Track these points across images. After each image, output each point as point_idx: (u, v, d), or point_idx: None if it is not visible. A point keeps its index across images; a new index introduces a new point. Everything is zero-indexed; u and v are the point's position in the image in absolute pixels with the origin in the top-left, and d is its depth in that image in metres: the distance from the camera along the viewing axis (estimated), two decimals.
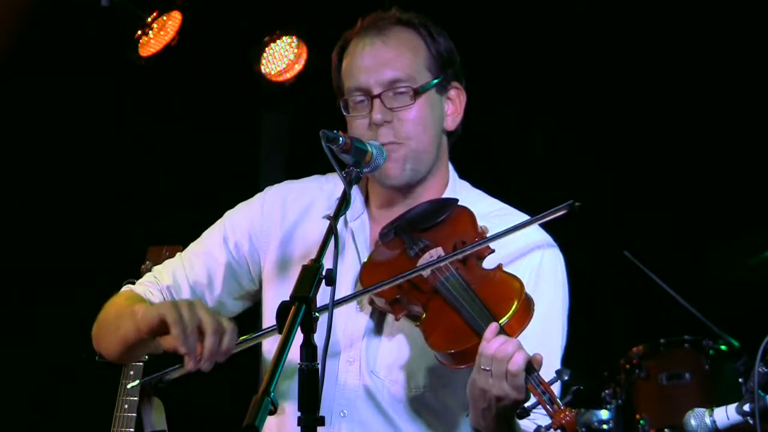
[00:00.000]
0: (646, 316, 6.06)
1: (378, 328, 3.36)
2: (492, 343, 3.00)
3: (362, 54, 3.41)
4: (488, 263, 3.26)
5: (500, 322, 3.05)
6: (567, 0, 6.20)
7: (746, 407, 3.25)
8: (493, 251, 3.26)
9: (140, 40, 5.79)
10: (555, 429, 2.90)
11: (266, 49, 6.04)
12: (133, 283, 3.60)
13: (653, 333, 5.49)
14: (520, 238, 3.33)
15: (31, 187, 5.94)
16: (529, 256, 3.36)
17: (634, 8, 6.08)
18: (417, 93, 3.38)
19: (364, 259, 3.40)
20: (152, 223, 5.77)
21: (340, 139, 3.21)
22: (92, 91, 5.96)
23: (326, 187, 3.54)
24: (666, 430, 5.27)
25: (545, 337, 3.21)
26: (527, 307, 3.11)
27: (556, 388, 3.02)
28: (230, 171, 6.27)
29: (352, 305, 3.35)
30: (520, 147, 6.40)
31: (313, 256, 2.90)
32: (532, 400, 2.97)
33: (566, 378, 2.96)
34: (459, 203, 3.41)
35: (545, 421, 2.98)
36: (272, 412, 2.57)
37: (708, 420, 3.28)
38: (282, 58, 6.06)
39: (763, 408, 3.25)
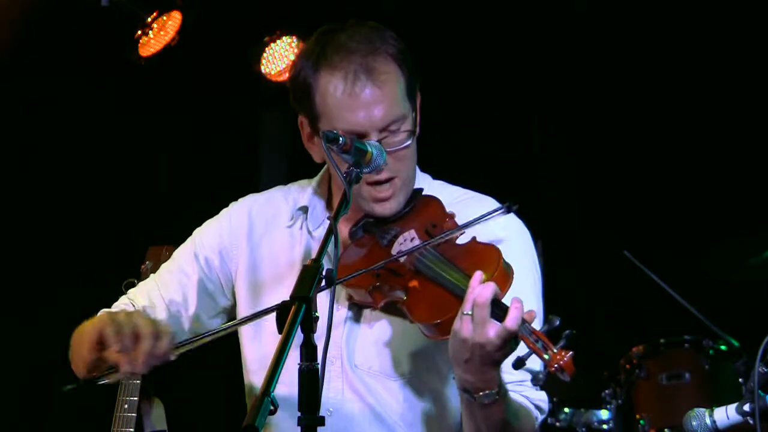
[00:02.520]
0: (646, 316, 6.06)
1: (356, 323, 3.35)
2: (476, 288, 2.99)
3: (351, 94, 3.30)
4: (461, 240, 3.28)
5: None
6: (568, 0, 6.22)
7: (746, 407, 3.24)
8: (463, 232, 3.27)
9: (140, 40, 5.79)
10: (553, 372, 2.88)
11: (266, 49, 6.05)
12: (134, 284, 3.60)
13: (653, 333, 5.52)
14: (488, 224, 3.32)
15: (31, 187, 5.94)
16: (496, 237, 3.35)
17: (634, 9, 6.09)
18: (412, 134, 3.35)
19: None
20: (152, 223, 5.76)
21: (340, 139, 3.19)
22: (92, 91, 5.96)
23: (289, 197, 3.54)
24: (666, 430, 5.30)
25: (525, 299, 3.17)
26: (506, 273, 3.12)
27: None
28: (230, 171, 6.27)
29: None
30: (519, 147, 6.41)
31: (281, 267, 2.89)
32: (526, 349, 2.95)
33: (557, 324, 2.93)
34: (423, 193, 3.42)
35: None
36: (272, 412, 2.57)
37: (708, 420, 3.27)
38: (282, 58, 6.06)
39: (763, 408, 3.24)
